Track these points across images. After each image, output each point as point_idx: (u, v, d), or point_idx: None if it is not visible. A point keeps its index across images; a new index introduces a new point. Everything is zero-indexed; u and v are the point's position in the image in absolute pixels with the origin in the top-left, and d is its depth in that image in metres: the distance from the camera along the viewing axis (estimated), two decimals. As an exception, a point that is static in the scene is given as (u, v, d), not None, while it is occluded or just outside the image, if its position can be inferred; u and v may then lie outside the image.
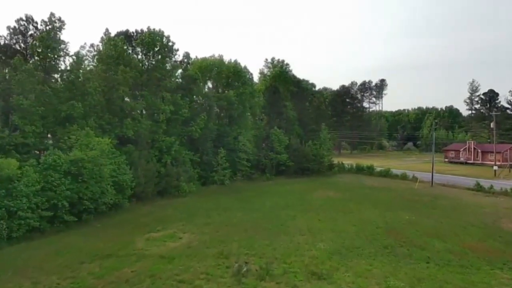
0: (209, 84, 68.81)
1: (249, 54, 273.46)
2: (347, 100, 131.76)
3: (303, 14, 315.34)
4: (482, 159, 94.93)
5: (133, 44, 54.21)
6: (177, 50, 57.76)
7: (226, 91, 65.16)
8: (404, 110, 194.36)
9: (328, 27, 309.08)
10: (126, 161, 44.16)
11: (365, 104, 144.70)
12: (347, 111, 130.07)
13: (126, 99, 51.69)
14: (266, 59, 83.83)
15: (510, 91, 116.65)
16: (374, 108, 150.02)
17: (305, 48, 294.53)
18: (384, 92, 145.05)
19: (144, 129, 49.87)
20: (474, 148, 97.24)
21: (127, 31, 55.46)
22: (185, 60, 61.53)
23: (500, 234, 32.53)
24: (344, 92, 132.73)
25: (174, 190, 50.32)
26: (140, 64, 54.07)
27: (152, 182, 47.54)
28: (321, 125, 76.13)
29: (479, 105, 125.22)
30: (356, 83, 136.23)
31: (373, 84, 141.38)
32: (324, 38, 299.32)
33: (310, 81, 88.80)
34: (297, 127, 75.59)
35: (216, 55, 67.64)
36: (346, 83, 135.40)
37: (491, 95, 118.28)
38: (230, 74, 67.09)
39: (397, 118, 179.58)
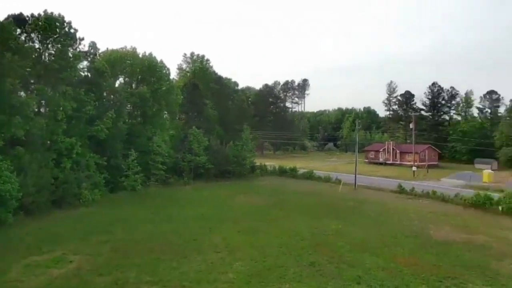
0: (121, 79, 62.58)
1: (166, 48, 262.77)
2: (270, 99, 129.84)
3: (227, 10, 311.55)
4: (400, 159, 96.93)
5: (27, 30, 46.61)
6: (82, 39, 50.65)
7: (140, 87, 59.17)
8: (325, 110, 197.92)
9: (252, 26, 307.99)
10: (11, 166, 36.96)
11: (288, 104, 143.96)
12: (270, 111, 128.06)
13: (21, 93, 44.23)
14: (185, 54, 78.86)
15: (425, 93, 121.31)
16: (296, 109, 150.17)
17: (228, 46, 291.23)
18: (307, 92, 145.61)
19: (37, 129, 42.58)
20: (393, 148, 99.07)
21: (20, 14, 47.64)
22: (92, 51, 54.53)
23: (431, 244, 30.38)
24: (267, 92, 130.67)
25: (74, 199, 43.49)
26: (36, 53, 46.63)
27: (46, 191, 40.43)
28: (243, 125, 72.24)
29: (396, 106, 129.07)
30: (279, 83, 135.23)
31: (296, 84, 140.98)
32: (248, 37, 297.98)
33: (233, 80, 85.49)
34: (218, 127, 71.36)
35: (129, 47, 61.43)
36: (270, 83, 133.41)
37: (408, 97, 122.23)
38: (144, 69, 61.22)
39: (318, 119, 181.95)
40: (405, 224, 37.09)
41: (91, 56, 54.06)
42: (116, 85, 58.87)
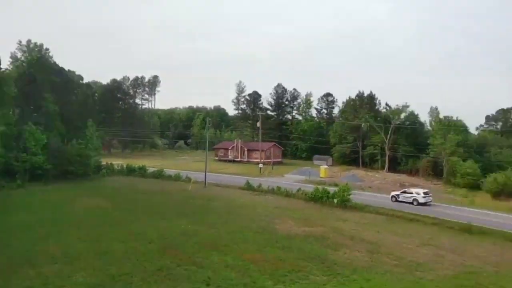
0: None
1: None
2: (119, 95, 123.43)
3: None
4: (248, 157, 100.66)
5: None
6: None
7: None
8: (176, 108, 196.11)
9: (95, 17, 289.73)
10: None
11: (138, 101, 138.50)
12: (118, 107, 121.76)
13: None
14: (20, 41, 69.94)
15: (271, 93, 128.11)
16: (146, 105, 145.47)
17: (72, 36, 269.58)
18: (157, 89, 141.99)
19: None
20: (241, 146, 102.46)
21: None
22: None
23: (277, 239, 31.86)
24: (116, 87, 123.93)
25: None
26: None
27: None
28: (88, 121, 66.85)
29: (244, 105, 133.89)
30: (129, 78, 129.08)
31: (146, 80, 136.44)
32: (93, 27, 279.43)
33: (77, 73, 78.89)
34: (59, 123, 64.80)
35: None
36: (119, 78, 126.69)
37: (255, 96, 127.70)
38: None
39: (169, 117, 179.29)
40: (253, 220, 38.39)
41: None
42: None
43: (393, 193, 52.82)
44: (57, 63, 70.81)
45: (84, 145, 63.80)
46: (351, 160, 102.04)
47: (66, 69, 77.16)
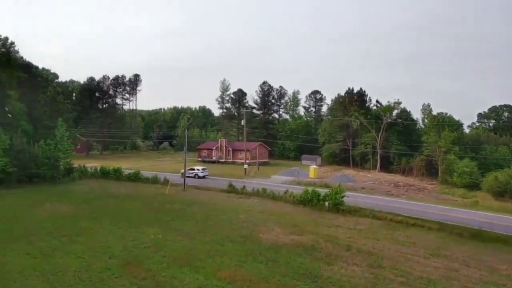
0: None
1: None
2: (97, 94, 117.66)
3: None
4: (233, 157, 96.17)
5: None
6: None
7: None
8: (160, 109, 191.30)
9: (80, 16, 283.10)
10: None
11: (118, 101, 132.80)
12: (96, 107, 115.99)
13: None
14: (-18, 35, 64.19)
15: (256, 91, 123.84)
16: (128, 106, 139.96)
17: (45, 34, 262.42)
18: (139, 88, 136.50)
19: None
20: (225, 146, 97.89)
21: None
22: None
23: (260, 250, 27.19)
24: (95, 86, 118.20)
25: None
26: None
27: None
28: (57, 120, 61.23)
29: (229, 104, 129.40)
30: (109, 77, 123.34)
31: (127, 79, 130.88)
32: (74, 27, 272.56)
33: (52, 71, 73.48)
34: (24, 122, 59.52)
35: None
36: (98, 77, 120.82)
37: (240, 95, 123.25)
38: None
39: (153, 118, 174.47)
40: (234, 227, 33.70)
41: None
42: None
43: (181, 170, 59.90)
44: (23, 58, 65.18)
45: (53, 146, 58.50)
46: (341, 159, 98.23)
47: (40, 67, 72.26)
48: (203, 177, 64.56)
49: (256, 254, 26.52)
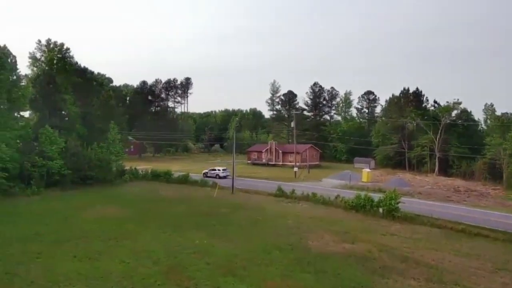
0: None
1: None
2: (150, 97, 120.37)
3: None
4: (283, 160, 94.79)
5: None
6: None
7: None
8: (212, 111, 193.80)
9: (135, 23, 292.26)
10: None
11: (170, 104, 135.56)
12: (149, 111, 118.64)
13: None
14: (39, 41, 66.79)
15: (307, 92, 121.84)
16: (179, 108, 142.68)
17: (106, 42, 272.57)
18: (190, 91, 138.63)
19: None
20: (275, 148, 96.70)
21: None
22: None
23: (309, 259, 25.61)
24: (148, 90, 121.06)
25: None
26: None
27: None
28: (109, 123, 62.52)
29: (279, 106, 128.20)
30: (161, 81, 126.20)
31: (179, 82, 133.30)
32: (130, 34, 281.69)
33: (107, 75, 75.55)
34: (79, 126, 61.13)
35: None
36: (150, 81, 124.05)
37: (290, 96, 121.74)
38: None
39: (205, 120, 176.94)
40: (282, 234, 32.27)
41: None
42: None
43: (204, 171, 70.20)
44: (78, 63, 67.18)
45: (105, 149, 59.71)
46: (395, 162, 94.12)
47: (96, 72, 74.42)
48: (224, 177, 66.43)
49: (304, 263, 24.98)
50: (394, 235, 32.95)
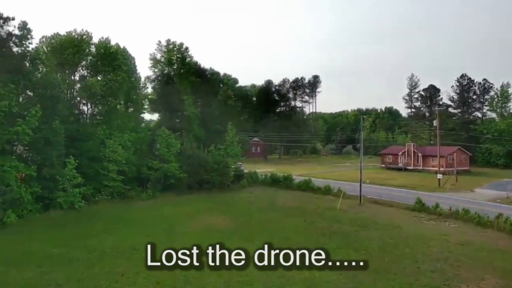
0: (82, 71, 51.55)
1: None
2: (276, 97, 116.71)
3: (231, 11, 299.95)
4: (423, 164, 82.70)
5: None
6: (12, 18, 40.94)
7: (88, 78, 47.89)
8: (343, 111, 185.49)
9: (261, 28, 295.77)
10: None
11: (298, 103, 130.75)
12: (274, 110, 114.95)
13: None
14: (160, 42, 66.34)
15: (452, 86, 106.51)
16: (307, 108, 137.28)
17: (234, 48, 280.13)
18: (318, 90, 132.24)
19: None
20: (414, 151, 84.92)
21: None
22: (21, 33, 43.17)
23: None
24: (274, 89, 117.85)
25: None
26: None
27: None
28: (227, 124, 58.90)
29: (419, 103, 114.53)
30: (288, 80, 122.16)
31: (306, 81, 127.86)
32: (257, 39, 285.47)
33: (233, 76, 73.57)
34: (196, 127, 58.83)
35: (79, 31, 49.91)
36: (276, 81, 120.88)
37: (432, 92, 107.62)
38: (101, 56, 49.93)
39: (336, 120, 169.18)
40: (421, 269, 23.82)
41: (19, 39, 42.63)
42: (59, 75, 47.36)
43: None
44: (198, 63, 65.27)
45: (223, 150, 56.36)
46: None
47: (222, 73, 72.82)
48: None
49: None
50: None
